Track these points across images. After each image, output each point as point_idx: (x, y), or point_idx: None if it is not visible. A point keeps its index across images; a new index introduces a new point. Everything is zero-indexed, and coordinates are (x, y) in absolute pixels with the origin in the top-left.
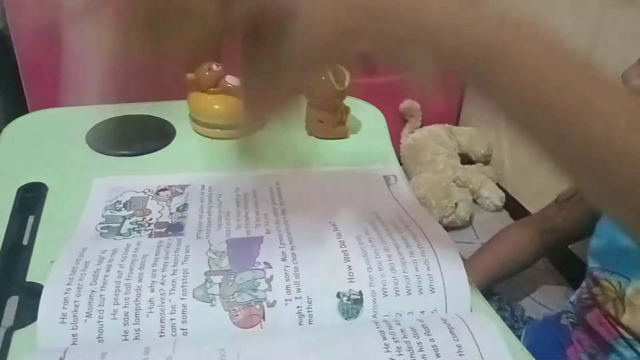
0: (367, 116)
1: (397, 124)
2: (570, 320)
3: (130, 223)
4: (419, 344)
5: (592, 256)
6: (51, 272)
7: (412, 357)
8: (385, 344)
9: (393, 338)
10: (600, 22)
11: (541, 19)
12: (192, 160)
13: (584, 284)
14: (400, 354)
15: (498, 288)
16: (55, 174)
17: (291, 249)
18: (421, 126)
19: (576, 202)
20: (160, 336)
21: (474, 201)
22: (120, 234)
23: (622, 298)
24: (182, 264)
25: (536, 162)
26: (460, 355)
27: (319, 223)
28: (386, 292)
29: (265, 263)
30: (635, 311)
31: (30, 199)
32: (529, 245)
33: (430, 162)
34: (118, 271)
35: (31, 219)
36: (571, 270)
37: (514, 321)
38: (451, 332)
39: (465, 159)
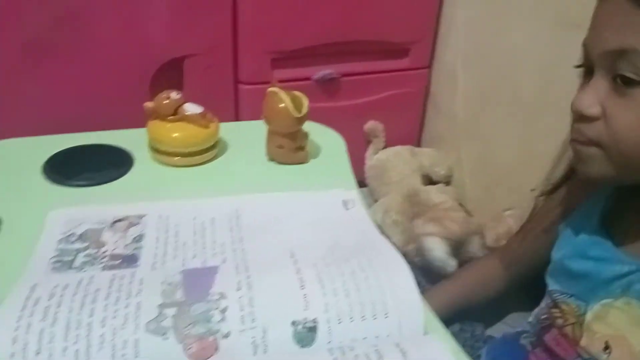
0: (326, 140)
1: (362, 145)
2: (530, 340)
3: (84, 256)
4: None
5: (550, 278)
6: (0, 311)
7: None
8: None
9: None
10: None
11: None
12: (150, 189)
13: (543, 304)
14: None
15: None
16: (9, 206)
17: (247, 277)
18: (384, 147)
19: (538, 231)
20: None
21: None
22: (73, 268)
23: (582, 323)
24: (135, 296)
25: (496, 182)
26: None
27: (276, 250)
28: (340, 319)
29: (219, 293)
30: (592, 336)
31: None
32: (496, 277)
33: (396, 183)
34: (69, 306)
35: None
36: (533, 288)
37: (474, 341)
38: (404, 356)
39: (427, 180)
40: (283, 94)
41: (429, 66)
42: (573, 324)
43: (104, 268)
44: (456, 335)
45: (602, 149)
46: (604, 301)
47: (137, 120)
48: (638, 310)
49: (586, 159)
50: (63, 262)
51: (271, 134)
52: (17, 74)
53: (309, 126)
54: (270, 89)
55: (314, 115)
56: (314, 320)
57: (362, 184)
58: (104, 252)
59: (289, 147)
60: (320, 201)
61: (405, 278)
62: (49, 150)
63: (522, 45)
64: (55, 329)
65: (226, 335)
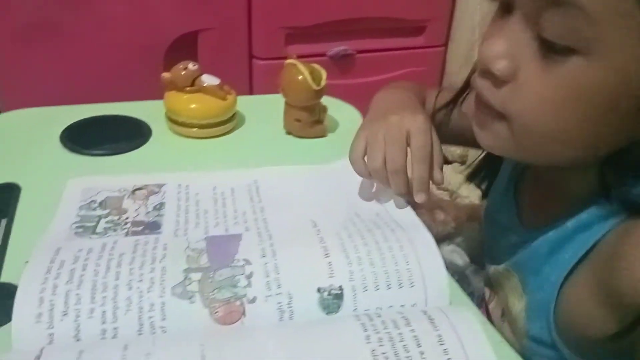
0: (344, 115)
1: None
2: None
3: (106, 222)
4: (399, 334)
5: None
6: (25, 271)
7: (393, 347)
8: (366, 336)
9: (374, 329)
10: None
11: None
12: (168, 160)
13: None
14: (381, 345)
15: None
16: (28, 175)
17: (271, 246)
18: None
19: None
20: (139, 334)
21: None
22: (96, 233)
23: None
24: (160, 261)
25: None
26: (440, 344)
27: (298, 220)
28: (366, 286)
29: (244, 260)
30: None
31: (3, 199)
32: None
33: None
34: (94, 270)
35: (4, 220)
36: None
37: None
38: (431, 323)
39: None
40: (302, 66)
41: (445, 45)
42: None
43: (127, 234)
44: None
45: (506, 123)
46: (497, 267)
47: (152, 94)
48: (514, 279)
49: (486, 128)
50: (85, 228)
51: (289, 107)
52: (32, 49)
53: (325, 101)
54: (289, 60)
55: (329, 92)
56: (340, 288)
57: None
58: (126, 218)
59: (307, 121)
60: (339, 173)
61: (429, 248)
62: (66, 120)
63: None
64: (81, 291)
65: (252, 301)
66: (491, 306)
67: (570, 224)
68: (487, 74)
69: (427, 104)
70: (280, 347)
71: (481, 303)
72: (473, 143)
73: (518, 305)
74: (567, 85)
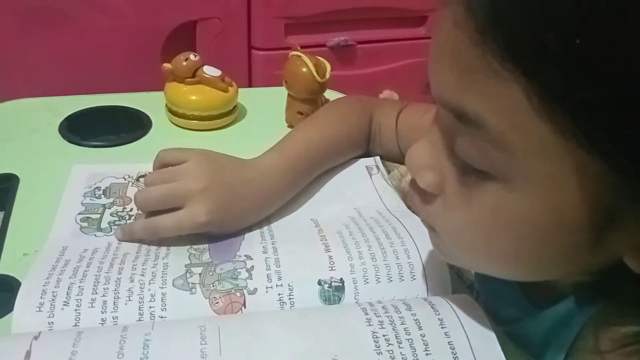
0: None
1: None
2: None
3: (111, 214)
4: (400, 317)
5: None
6: (29, 270)
7: (394, 330)
8: (367, 319)
9: (375, 313)
10: None
11: None
12: None
13: None
14: (382, 327)
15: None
16: (27, 165)
17: (272, 244)
18: None
19: None
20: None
21: None
22: (101, 229)
23: None
24: (163, 259)
25: None
26: (442, 327)
27: (300, 219)
28: (367, 279)
29: (246, 255)
30: None
31: (2, 190)
32: None
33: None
34: (98, 267)
35: (1, 213)
36: None
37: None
38: (432, 307)
39: None
40: (306, 58)
41: None
42: None
43: None
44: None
45: (440, 238)
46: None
47: (150, 84)
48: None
49: (430, 238)
50: (90, 221)
51: (291, 99)
52: (31, 38)
53: (327, 94)
54: (293, 52)
55: (329, 83)
56: (341, 280)
57: None
58: (130, 210)
59: (309, 114)
60: (344, 168)
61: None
62: (65, 110)
63: None
64: (83, 284)
65: (252, 292)
66: None
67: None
68: (414, 183)
69: (384, 125)
70: (280, 328)
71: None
72: None
73: None
74: (489, 214)
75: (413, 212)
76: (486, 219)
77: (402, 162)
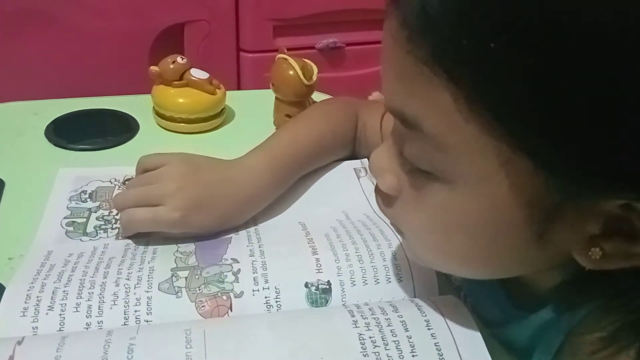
0: None
1: None
2: None
3: (97, 219)
4: (387, 319)
5: None
6: (14, 275)
7: (380, 332)
8: (353, 321)
9: (361, 315)
10: None
11: None
12: None
13: None
14: (368, 329)
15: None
16: (13, 170)
17: (259, 247)
18: None
19: None
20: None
21: None
22: (87, 234)
23: None
24: (149, 262)
25: None
26: (428, 329)
27: (288, 222)
28: (354, 281)
29: (232, 259)
30: None
31: None
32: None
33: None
34: (83, 271)
35: None
36: None
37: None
38: (419, 309)
39: None
40: (293, 61)
41: None
42: None
43: (117, 237)
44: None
45: (403, 237)
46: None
47: (137, 87)
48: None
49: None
50: (76, 225)
51: (279, 102)
52: (17, 39)
53: (315, 96)
54: (280, 55)
55: (318, 85)
56: (328, 282)
57: None
58: (116, 214)
59: None
60: (332, 170)
61: None
62: (52, 114)
63: None
64: (68, 288)
65: (239, 295)
66: None
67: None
68: (377, 186)
69: (369, 126)
70: (266, 331)
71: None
72: None
73: None
74: (440, 212)
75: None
76: (438, 218)
77: None
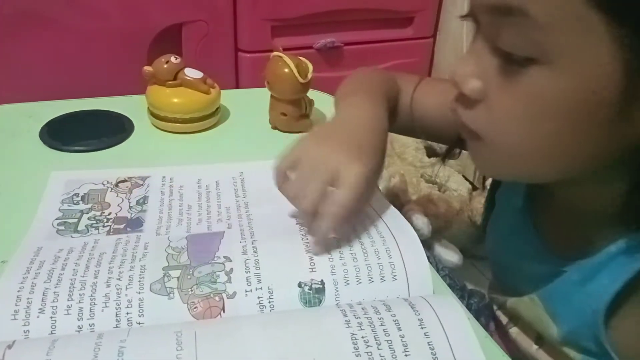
0: (331, 109)
1: None
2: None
3: (88, 219)
4: (380, 319)
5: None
6: (4, 272)
7: (373, 331)
8: (346, 320)
9: (354, 315)
10: None
11: None
12: (150, 155)
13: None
14: (361, 329)
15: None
16: (7, 172)
17: (252, 243)
18: None
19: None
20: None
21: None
22: (78, 231)
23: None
24: (140, 260)
25: None
26: (422, 328)
27: (282, 217)
28: (348, 280)
29: (225, 257)
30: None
31: None
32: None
33: (399, 155)
34: (73, 269)
35: None
36: None
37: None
38: (412, 308)
39: (431, 152)
40: (288, 59)
41: (434, 36)
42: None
43: (108, 232)
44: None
45: (482, 142)
46: (518, 298)
47: (135, 88)
48: (538, 309)
49: (472, 152)
50: (67, 225)
51: (274, 100)
52: (12, 41)
53: (311, 94)
54: (275, 53)
55: (316, 85)
56: (321, 282)
57: None
58: (108, 215)
59: (293, 115)
60: None
61: (411, 241)
62: (46, 116)
63: None
64: (59, 289)
65: (231, 296)
66: (513, 331)
67: (605, 250)
68: (460, 94)
69: (404, 96)
70: (258, 331)
71: (482, 309)
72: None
73: (550, 334)
74: (533, 98)
75: (401, 204)
76: (528, 105)
77: (409, 134)
